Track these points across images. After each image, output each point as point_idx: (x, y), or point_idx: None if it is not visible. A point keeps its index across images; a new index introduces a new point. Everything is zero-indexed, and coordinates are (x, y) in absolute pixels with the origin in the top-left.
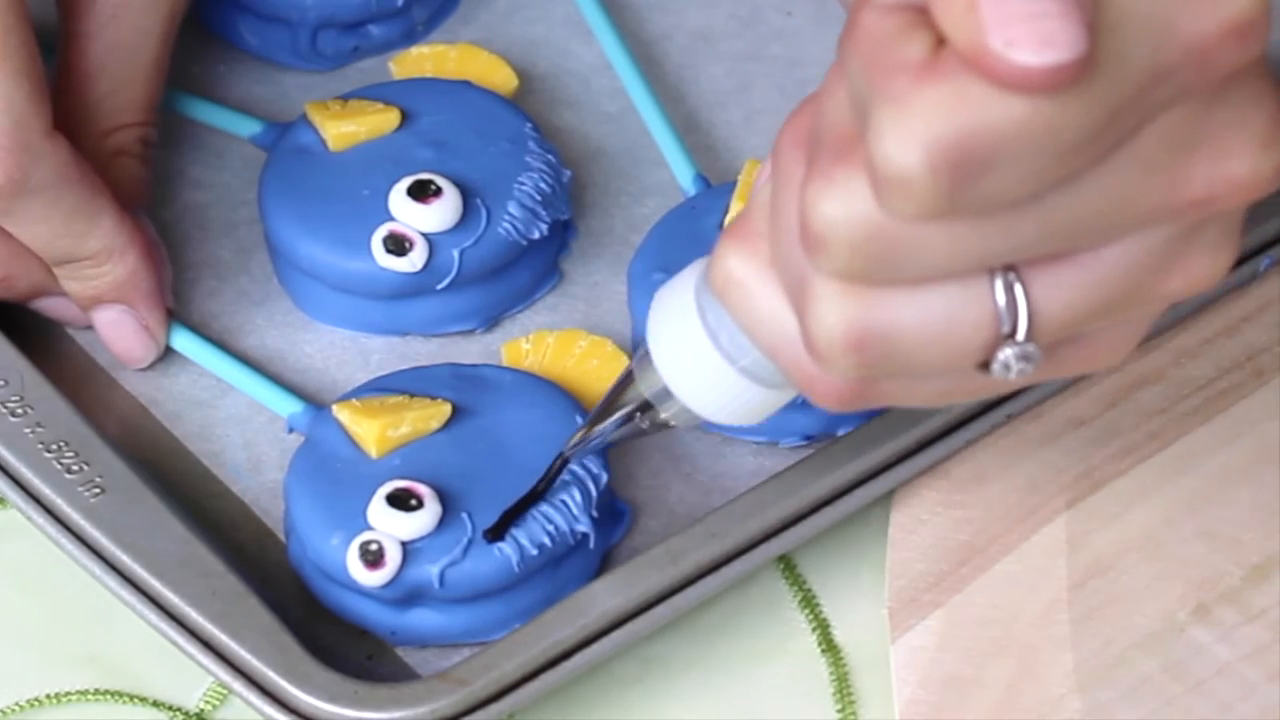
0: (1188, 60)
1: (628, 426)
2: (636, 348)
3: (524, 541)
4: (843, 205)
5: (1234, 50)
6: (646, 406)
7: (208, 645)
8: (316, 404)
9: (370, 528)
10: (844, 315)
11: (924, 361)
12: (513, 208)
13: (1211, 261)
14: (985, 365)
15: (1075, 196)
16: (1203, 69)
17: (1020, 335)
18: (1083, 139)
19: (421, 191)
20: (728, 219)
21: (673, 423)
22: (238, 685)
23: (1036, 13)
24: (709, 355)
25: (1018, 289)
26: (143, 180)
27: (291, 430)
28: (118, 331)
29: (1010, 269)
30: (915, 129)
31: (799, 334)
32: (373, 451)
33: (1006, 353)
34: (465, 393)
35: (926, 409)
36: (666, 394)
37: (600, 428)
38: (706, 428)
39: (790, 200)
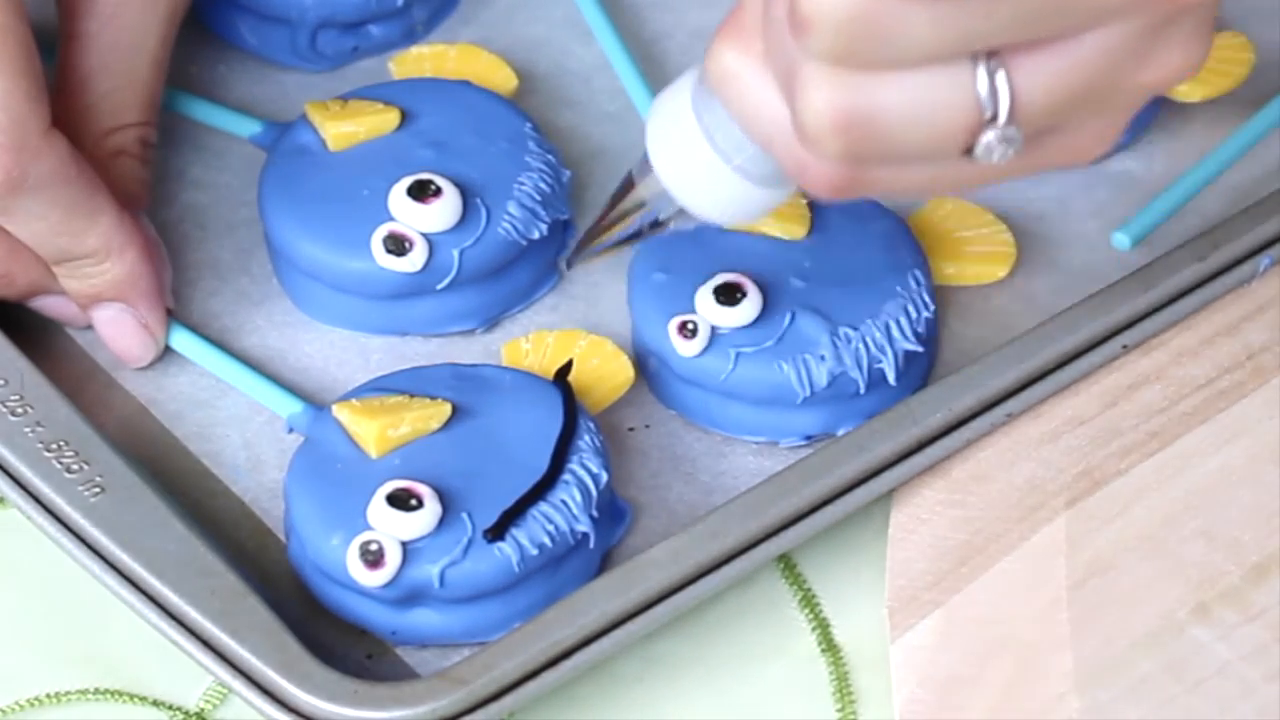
0: None
1: (627, 228)
2: (637, 349)
3: (524, 541)
4: None
5: None
6: (641, 205)
7: (207, 644)
8: (316, 404)
9: (370, 528)
10: (831, 97)
11: (910, 144)
12: (512, 208)
13: (1184, 55)
14: (969, 150)
15: None
16: None
17: (1002, 119)
18: None
19: (421, 191)
20: None
21: (672, 224)
22: (237, 684)
23: None
24: (705, 153)
25: (999, 74)
26: (142, 180)
27: (291, 430)
28: (117, 330)
29: (993, 55)
30: None
31: (791, 123)
32: (373, 451)
33: (989, 135)
34: (465, 393)
35: (916, 197)
36: (665, 195)
37: (601, 230)
38: (695, 420)
39: None
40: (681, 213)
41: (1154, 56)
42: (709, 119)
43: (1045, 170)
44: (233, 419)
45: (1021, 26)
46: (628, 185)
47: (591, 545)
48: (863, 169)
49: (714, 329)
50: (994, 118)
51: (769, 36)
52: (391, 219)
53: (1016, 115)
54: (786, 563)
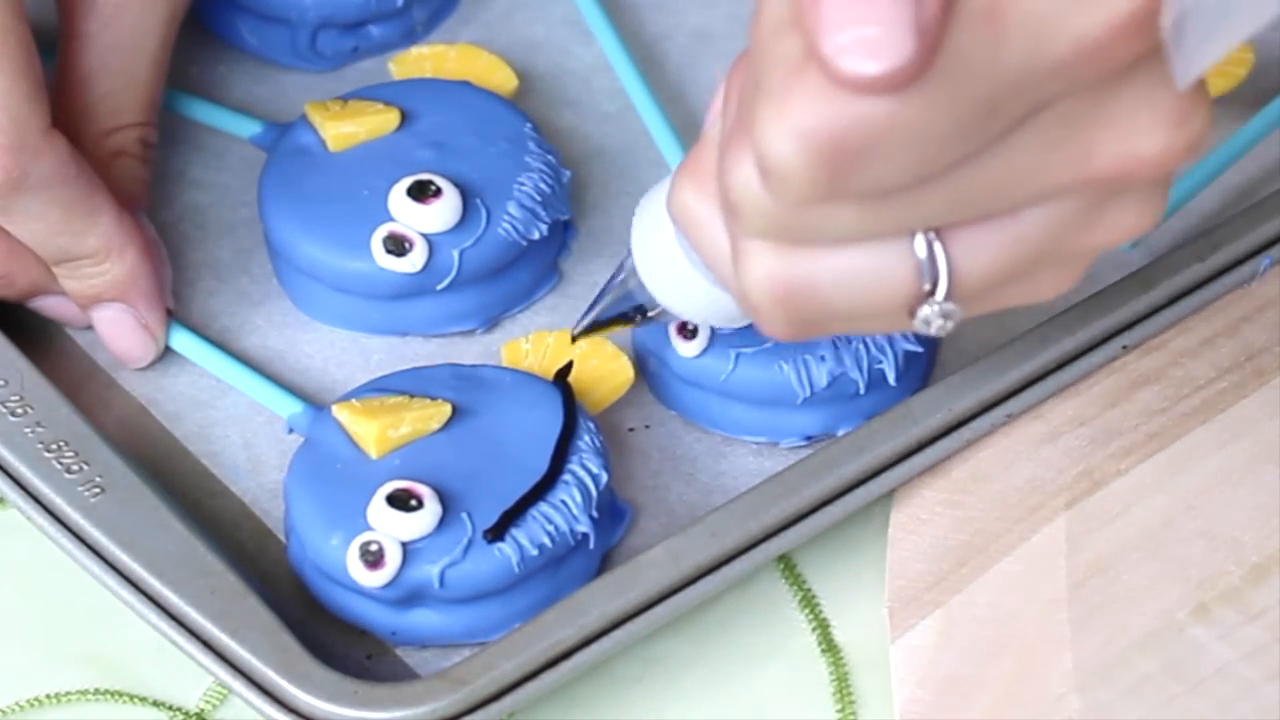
0: (1078, 56)
1: (622, 316)
2: (637, 349)
3: (524, 542)
4: (750, 177)
5: (1126, 46)
6: (640, 308)
7: (207, 645)
8: (316, 404)
9: (370, 528)
10: (768, 271)
11: (849, 315)
12: (512, 208)
13: (1138, 215)
14: (912, 314)
15: (978, 173)
16: (1093, 63)
17: (940, 295)
18: (958, 129)
19: (421, 192)
20: None
21: (659, 319)
22: (237, 685)
23: (864, 19)
24: (681, 264)
25: (937, 248)
26: (143, 180)
27: (291, 430)
28: (117, 330)
29: (931, 229)
30: (787, 122)
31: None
32: (373, 452)
33: (927, 310)
34: (465, 393)
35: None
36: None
37: (596, 315)
38: (694, 421)
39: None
40: (671, 314)
41: (1103, 221)
42: (681, 234)
43: (1001, 309)
44: (233, 419)
45: (954, 212)
46: (621, 274)
47: (591, 545)
48: (808, 328)
49: (714, 329)
50: (932, 291)
51: (721, 198)
52: (391, 219)
53: (955, 290)
54: (786, 563)
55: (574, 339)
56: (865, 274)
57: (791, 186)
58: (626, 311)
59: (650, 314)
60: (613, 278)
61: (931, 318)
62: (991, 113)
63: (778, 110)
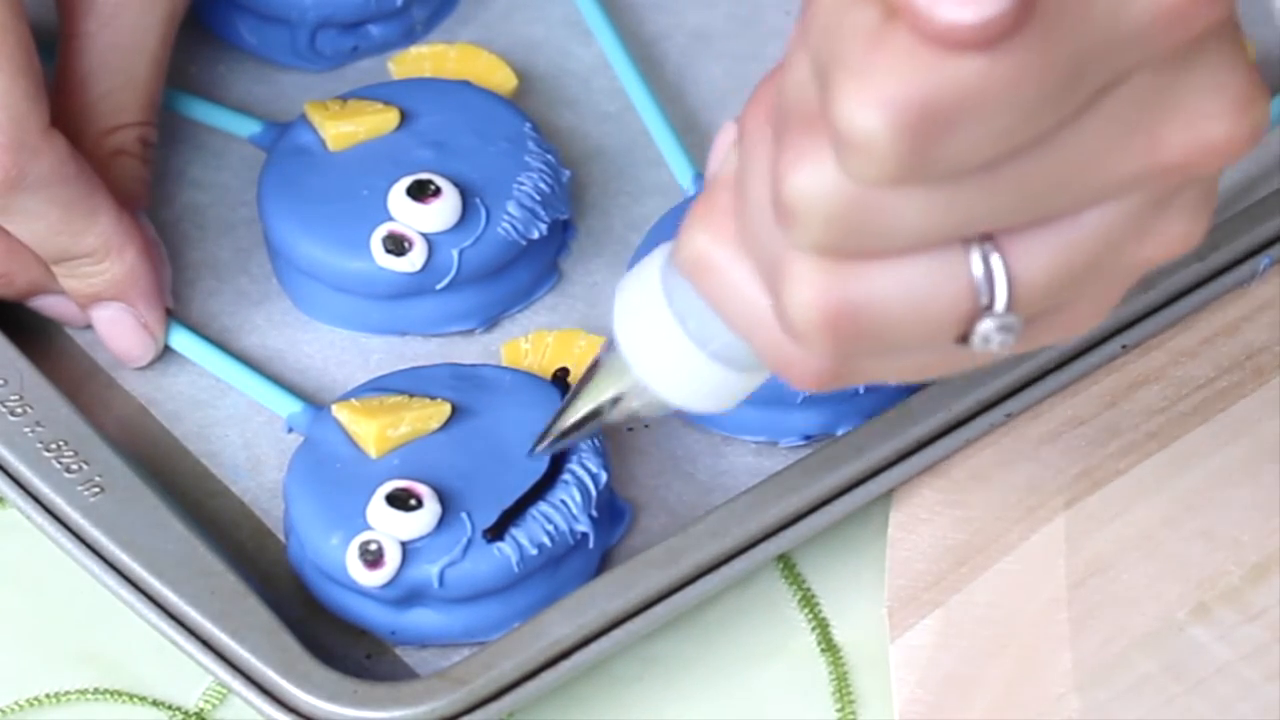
0: (1154, 20)
1: (597, 420)
2: None
3: (523, 541)
4: (814, 176)
5: (1204, 10)
6: (614, 399)
7: (207, 644)
8: (316, 404)
9: (370, 527)
10: (819, 290)
11: (902, 336)
12: (512, 207)
13: (1188, 227)
14: (964, 338)
15: (1049, 158)
16: (1170, 29)
17: (1000, 306)
18: (1045, 96)
19: (421, 191)
20: None
21: (643, 412)
22: (237, 684)
23: None
24: (678, 340)
25: (994, 259)
26: (142, 180)
27: (291, 430)
28: (116, 330)
29: (987, 239)
30: (873, 92)
31: (773, 313)
32: (372, 451)
33: (987, 324)
34: (464, 393)
35: (908, 385)
36: (635, 384)
37: (570, 424)
38: (694, 420)
39: (759, 176)
40: (659, 404)
41: (1155, 229)
42: (680, 303)
43: (1037, 348)
44: (232, 419)
45: (1019, 207)
46: (593, 372)
47: (591, 545)
48: (850, 362)
49: None
50: (990, 305)
51: (748, 224)
52: (391, 219)
53: (1015, 300)
54: (786, 562)
55: (533, 452)
56: (920, 288)
57: (878, 162)
58: (601, 405)
59: (634, 405)
60: (585, 376)
61: (992, 333)
62: (1076, 79)
63: (859, 82)
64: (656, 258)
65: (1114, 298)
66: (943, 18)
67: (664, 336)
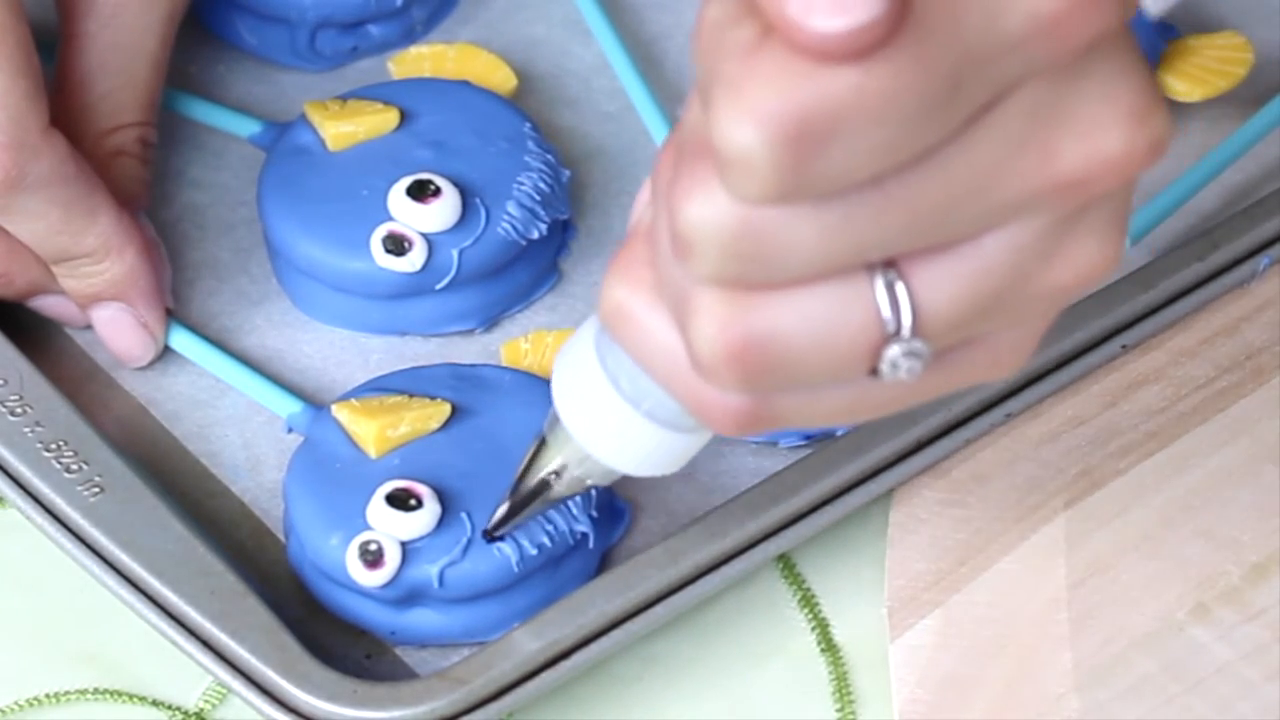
0: (1031, 30)
1: (548, 493)
2: None
3: (523, 541)
4: (706, 204)
5: (1085, 20)
6: (558, 471)
7: (207, 644)
8: (315, 404)
9: (370, 528)
10: (722, 323)
11: (810, 368)
12: (512, 207)
13: (1099, 250)
14: (876, 371)
15: (939, 176)
16: (1050, 40)
17: (905, 331)
18: (925, 108)
19: (420, 191)
20: None
21: (589, 481)
22: (237, 684)
23: None
24: (612, 401)
25: (898, 285)
26: (142, 180)
27: (290, 430)
28: (116, 329)
29: (890, 266)
30: (748, 107)
31: (687, 355)
32: (372, 451)
33: (893, 350)
34: (464, 393)
35: (827, 426)
36: (579, 453)
37: (519, 500)
38: None
39: (665, 217)
40: (603, 471)
41: (1064, 253)
42: (613, 363)
43: (961, 388)
44: (232, 419)
45: (916, 230)
46: (541, 446)
47: (591, 545)
48: (766, 400)
49: None
50: (897, 332)
51: (660, 268)
52: (391, 219)
53: (920, 327)
54: (786, 562)
55: (489, 537)
56: (825, 316)
57: (758, 179)
58: (546, 479)
59: (577, 474)
60: (532, 454)
61: (899, 359)
62: (956, 90)
63: (735, 98)
64: (591, 323)
65: (1035, 332)
66: (815, 28)
67: (599, 399)
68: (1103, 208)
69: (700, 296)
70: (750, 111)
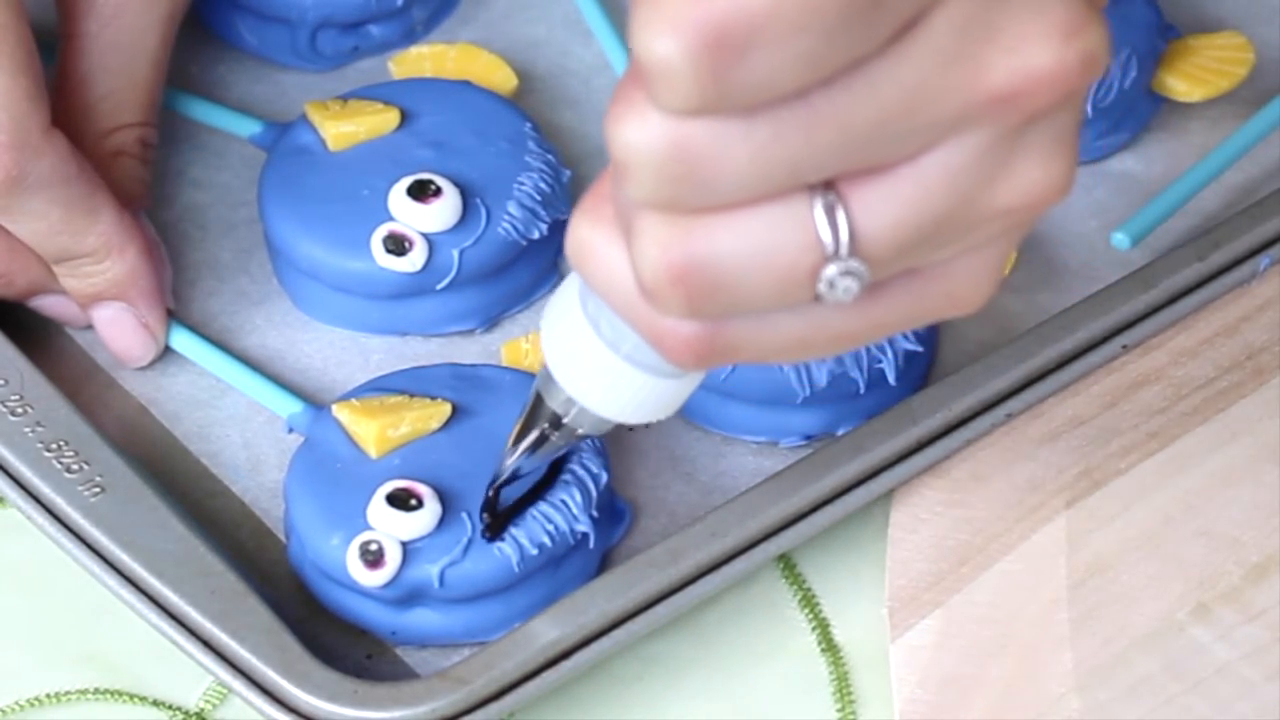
0: None
1: (547, 445)
2: None
3: (524, 541)
4: (638, 126)
5: None
6: (558, 422)
7: (207, 644)
8: (316, 404)
9: (370, 528)
10: (664, 245)
11: (752, 290)
12: (512, 207)
13: (1043, 171)
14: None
15: (869, 93)
16: None
17: (842, 251)
18: (844, 17)
19: (421, 191)
20: None
21: (582, 430)
22: (237, 684)
23: None
24: (593, 345)
25: (837, 207)
26: (142, 181)
27: (291, 430)
28: (117, 329)
29: (829, 188)
30: (667, 18)
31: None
32: (372, 451)
33: (830, 270)
34: (465, 393)
35: (790, 360)
36: (570, 403)
37: (518, 453)
38: (694, 420)
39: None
40: (593, 419)
41: (1007, 175)
42: (593, 308)
43: (930, 322)
44: (232, 419)
45: (848, 150)
46: (536, 398)
47: (591, 545)
48: (717, 328)
49: None
50: (836, 253)
51: (615, 200)
52: (391, 219)
53: (861, 248)
54: (786, 562)
55: (486, 526)
56: (763, 240)
57: (680, 90)
58: (544, 432)
59: (568, 423)
60: (528, 408)
61: (835, 278)
62: (876, 2)
63: (653, 9)
64: (569, 281)
65: (990, 263)
66: None
67: (582, 345)
68: (1045, 128)
69: (642, 220)
70: (668, 21)
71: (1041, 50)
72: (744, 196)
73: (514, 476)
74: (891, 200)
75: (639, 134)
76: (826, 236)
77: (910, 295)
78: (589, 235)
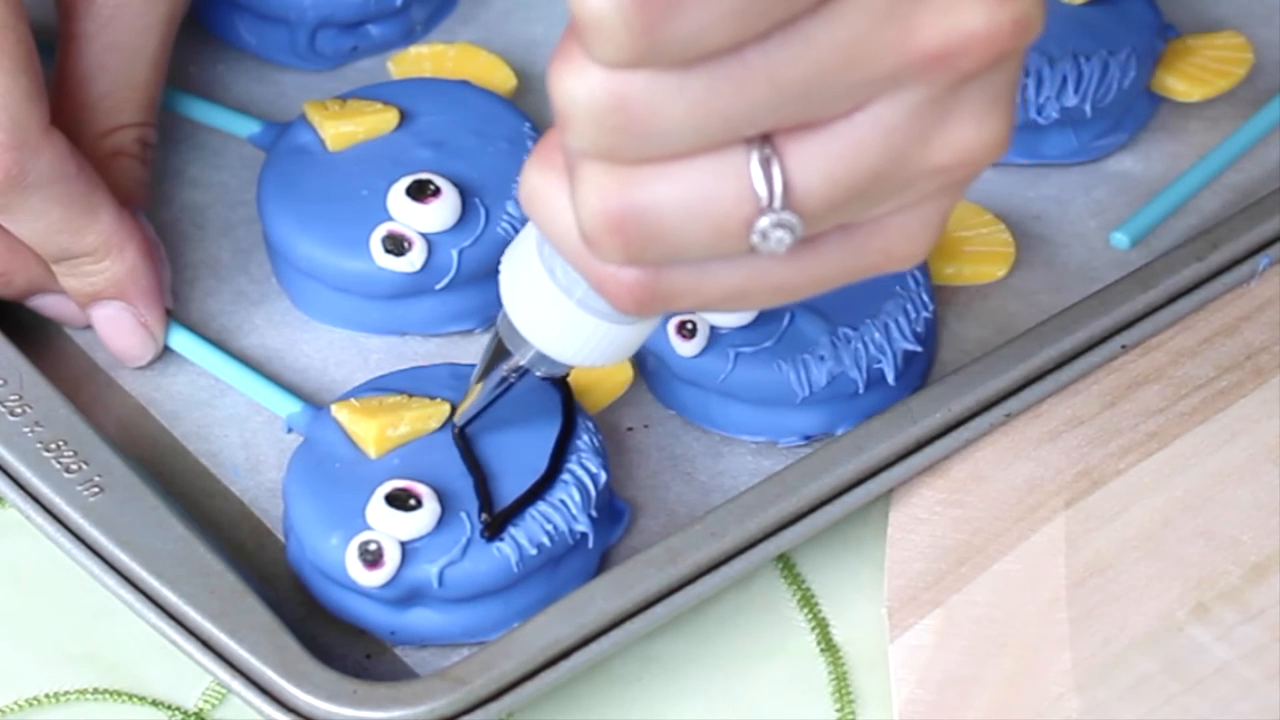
0: None
1: (506, 386)
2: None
3: (523, 541)
4: (578, 78)
5: None
6: (516, 366)
7: (206, 644)
8: (315, 404)
9: (369, 527)
10: (603, 194)
11: (688, 239)
12: (511, 208)
13: (977, 131)
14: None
15: (802, 49)
16: None
17: (776, 202)
18: None
19: (420, 191)
20: None
21: (538, 372)
22: (236, 684)
23: None
24: (547, 291)
25: (773, 160)
26: (141, 181)
27: (290, 430)
28: (116, 329)
29: (766, 142)
30: None
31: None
32: (371, 451)
33: (763, 221)
34: (464, 393)
35: (734, 309)
36: (527, 346)
37: (478, 391)
38: (694, 420)
39: None
40: (549, 362)
41: (941, 133)
42: (548, 254)
43: (867, 276)
44: (231, 419)
45: (782, 105)
46: (496, 340)
47: (590, 545)
48: (657, 274)
49: (713, 329)
50: (771, 205)
51: (565, 149)
52: (390, 219)
53: (792, 200)
54: (785, 562)
55: (460, 430)
56: (699, 190)
57: (612, 42)
58: (506, 376)
59: (522, 364)
60: (489, 350)
61: (768, 229)
62: None
63: None
64: (528, 230)
65: (927, 221)
66: None
67: (536, 290)
68: (979, 88)
69: (583, 169)
70: None
71: (974, 12)
72: (681, 148)
73: (469, 422)
74: (825, 155)
75: (578, 85)
76: (761, 189)
77: (847, 250)
78: (539, 182)
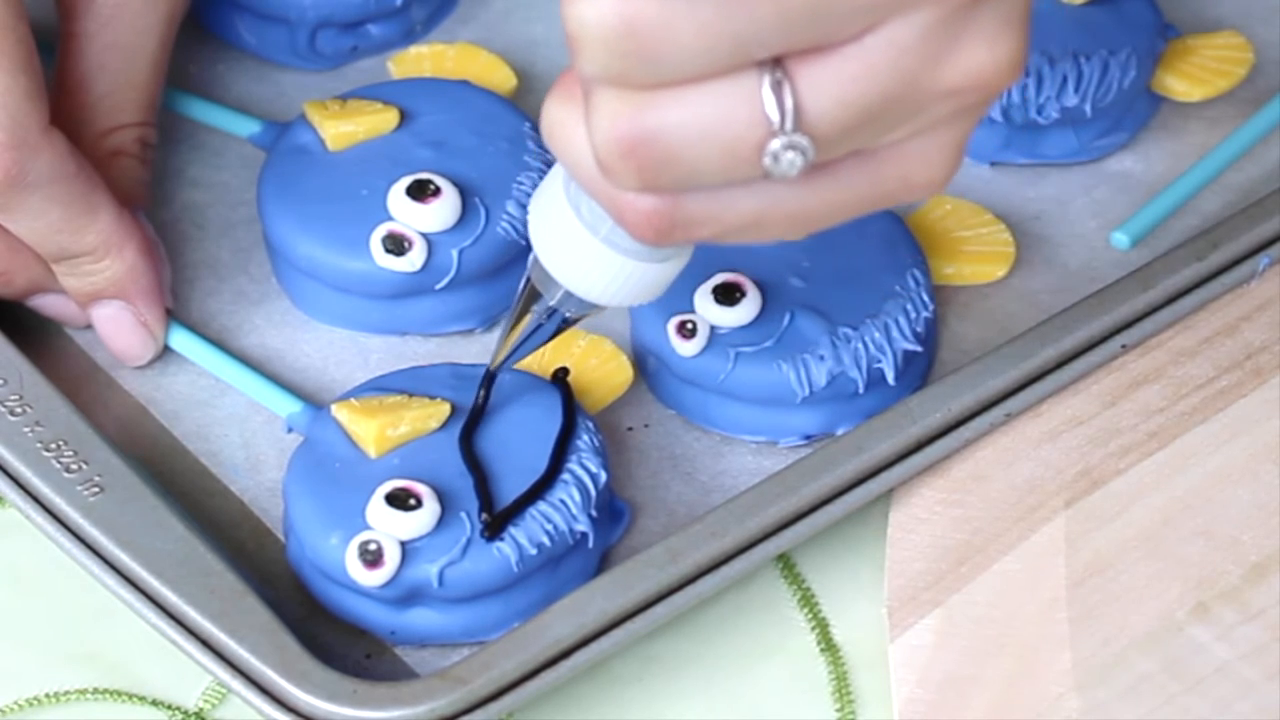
0: None
1: (539, 329)
2: (636, 348)
3: (523, 541)
4: (590, 2)
5: None
6: (547, 308)
7: (206, 644)
8: (315, 404)
9: (369, 527)
10: (615, 119)
11: (701, 163)
12: (511, 207)
13: (989, 52)
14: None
15: None
16: None
17: (788, 125)
18: None
19: (420, 191)
20: None
21: (569, 314)
22: (236, 684)
23: None
24: (574, 229)
25: (784, 83)
26: (141, 180)
27: (290, 430)
28: (116, 328)
29: (777, 66)
30: None
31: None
32: (371, 451)
33: (775, 143)
34: (464, 392)
35: (753, 239)
36: (556, 286)
37: (512, 340)
38: (694, 420)
39: None
40: (578, 301)
41: (953, 55)
42: (574, 192)
43: (887, 205)
44: (232, 419)
45: (792, 29)
46: (528, 283)
47: (590, 545)
48: (674, 202)
49: (713, 329)
50: (782, 127)
51: (580, 78)
52: (390, 219)
53: (804, 123)
54: (785, 562)
55: (492, 374)
56: (712, 114)
57: None
58: (537, 315)
59: (552, 304)
60: (522, 294)
61: (780, 151)
62: None
63: None
64: (556, 171)
65: (944, 146)
66: None
67: (564, 228)
68: (991, 10)
69: (597, 95)
70: None
71: None
72: (692, 72)
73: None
74: (836, 78)
75: (589, 9)
76: (772, 111)
77: (864, 176)
78: (559, 113)
